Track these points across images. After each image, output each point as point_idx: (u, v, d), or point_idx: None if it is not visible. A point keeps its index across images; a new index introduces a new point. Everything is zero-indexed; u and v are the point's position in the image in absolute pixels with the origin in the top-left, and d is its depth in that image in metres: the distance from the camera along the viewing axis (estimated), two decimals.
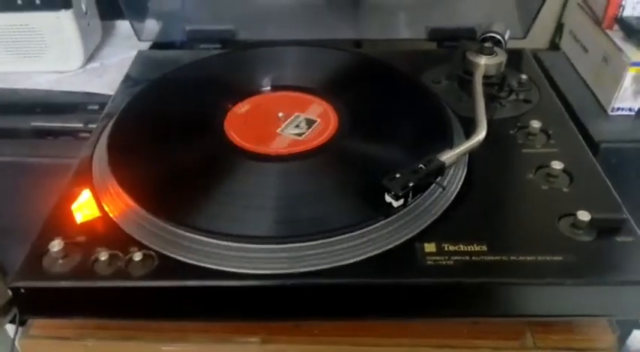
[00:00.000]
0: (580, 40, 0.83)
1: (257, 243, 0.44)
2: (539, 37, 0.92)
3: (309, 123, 0.56)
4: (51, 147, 0.73)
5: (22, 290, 0.43)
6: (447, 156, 0.47)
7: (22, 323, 0.49)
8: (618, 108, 0.73)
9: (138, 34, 0.74)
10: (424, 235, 0.45)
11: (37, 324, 0.50)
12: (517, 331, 0.48)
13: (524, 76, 0.64)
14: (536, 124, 0.56)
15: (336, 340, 0.48)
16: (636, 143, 0.70)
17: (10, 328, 0.99)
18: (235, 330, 0.48)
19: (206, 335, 0.48)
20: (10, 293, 0.97)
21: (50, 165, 0.75)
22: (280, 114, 0.57)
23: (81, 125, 0.71)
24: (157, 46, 0.78)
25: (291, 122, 0.57)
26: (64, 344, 0.49)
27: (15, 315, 1.00)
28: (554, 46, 0.93)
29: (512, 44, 0.71)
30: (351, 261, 0.43)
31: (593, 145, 0.68)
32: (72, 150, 0.71)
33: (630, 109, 0.73)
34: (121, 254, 0.44)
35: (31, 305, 0.45)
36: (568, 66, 0.85)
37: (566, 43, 0.88)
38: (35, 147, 0.74)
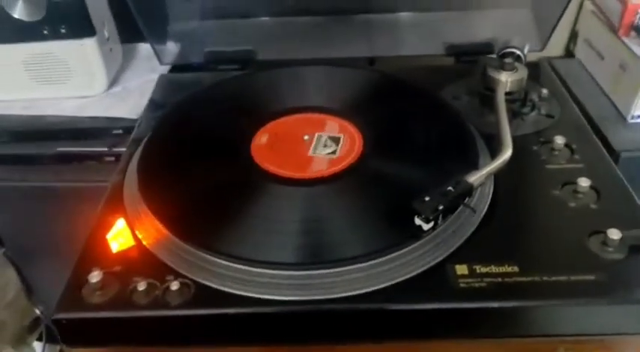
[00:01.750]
0: (595, 47, 0.83)
1: (292, 270, 0.45)
2: (552, 45, 0.92)
3: (335, 140, 0.57)
4: (76, 171, 0.75)
5: (64, 322, 0.44)
6: (475, 178, 0.48)
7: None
8: (638, 116, 0.73)
9: (160, 58, 0.75)
10: (455, 257, 0.46)
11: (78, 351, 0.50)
12: (549, 348, 0.48)
13: (545, 90, 0.64)
14: (560, 140, 0.56)
15: None
16: None
17: (38, 345, 1.01)
18: None
19: None
20: (37, 312, 0.98)
21: (75, 189, 0.77)
22: (306, 137, 0.58)
23: (106, 149, 0.72)
24: (176, 68, 0.79)
25: (318, 142, 0.57)
26: None
27: (41, 333, 1.01)
28: (568, 53, 0.93)
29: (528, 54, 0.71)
30: (382, 285, 0.44)
31: (613, 154, 0.68)
32: (97, 175, 0.73)
33: None
34: (157, 283, 0.45)
35: (73, 335, 0.46)
36: (584, 73, 0.85)
37: (580, 50, 0.88)
38: (61, 172, 0.76)
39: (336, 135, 0.58)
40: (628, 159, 0.68)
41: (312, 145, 0.57)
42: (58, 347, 0.99)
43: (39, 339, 0.98)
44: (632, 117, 0.73)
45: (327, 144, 0.57)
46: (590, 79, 0.83)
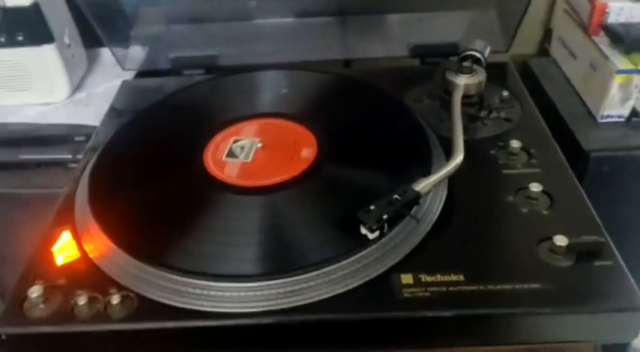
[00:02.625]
0: (568, 46, 0.82)
1: (234, 282, 0.44)
2: (527, 43, 0.92)
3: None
4: (42, 177, 0.74)
5: (3, 337, 0.44)
6: (422, 186, 0.47)
7: None
8: (607, 116, 0.72)
9: (122, 64, 0.75)
10: (401, 266, 0.45)
11: None
12: None
13: (505, 93, 0.63)
14: (516, 144, 0.56)
15: None
16: (627, 151, 0.69)
17: None
18: None
19: None
20: None
21: (42, 194, 0.76)
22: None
23: (70, 156, 0.72)
24: (142, 73, 0.79)
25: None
26: None
27: None
28: (543, 51, 0.93)
29: (499, 54, 0.71)
30: (327, 295, 0.43)
31: (583, 154, 0.68)
32: (63, 180, 0.72)
33: (619, 116, 0.72)
34: (100, 296, 0.45)
35: (15, 350, 0.45)
36: (558, 72, 0.84)
37: (555, 48, 0.88)
38: (26, 179, 0.75)
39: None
40: (597, 158, 0.68)
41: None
42: None
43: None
44: (602, 117, 0.72)
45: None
46: (564, 78, 0.82)
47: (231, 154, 0.56)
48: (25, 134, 0.73)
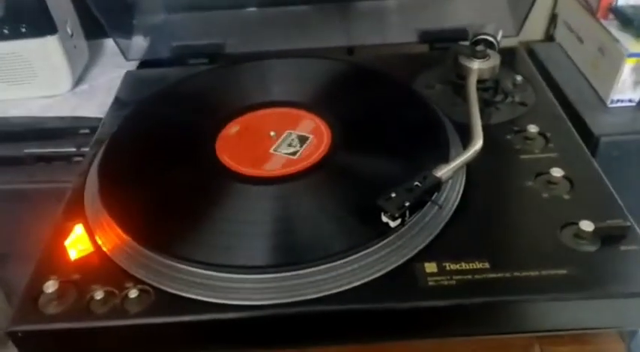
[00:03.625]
0: (575, 30, 0.81)
1: (252, 273, 0.43)
2: (532, 29, 0.91)
3: (302, 140, 0.55)
4: (45, 172, 0.73)
5: (20, 334, 0.43)
6: (443, 172, 0.46)
7: None
8: (617, 100, 0.72)
9: (125, 54, 0.73)
10: (424, 254, 0.44)
11: None
12: (525, 344, 0.47)
13: (519, 78, 0.62)
14: (533, 129, 0.55)
15: None
16: (637, 134, 0.69)
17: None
18: None
19: None
20: None
21: (45, 190, 0.75)
22: (272, 133, 0.56)
23: (74, 149, 0.71)
24: (144, 63, 0.77)
25: (284, 140, 0.56)
26: None
27: None
28: (548, 37, 0.92)
29: (505, 39, 0.70)
30: (351, 286, 0.43)
31: (592, 139, 0.67)
32: (67, 175, 0.71)
33: (630, 100, 0.72)
34: (116, 291, 0.44)
35: (30, 346, 0.44)
36: (564, 57, 0.84)
37: (560, 33, 0.87)
38: (30, 174, 0.74)
39: (307, 135, 0.56)
40: (607, 143, 0.67)
41: (277, 143, 0.55)
42: None
43: None
44: (612, 102, 0.72)
45: (292, 144, 0.55)
46: (570, 62, 0.82)
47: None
48: (28, 127, 0.72)
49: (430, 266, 0.44)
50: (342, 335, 0.44)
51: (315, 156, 0.53)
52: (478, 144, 0.50)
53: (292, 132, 0.56)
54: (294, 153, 0.54)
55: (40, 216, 0.75)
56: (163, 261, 0.44)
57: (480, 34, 0.62)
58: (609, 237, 0.45)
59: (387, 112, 0.58)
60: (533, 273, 0.43)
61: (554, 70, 0.80)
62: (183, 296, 0.43)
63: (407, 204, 0.44)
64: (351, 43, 0.79)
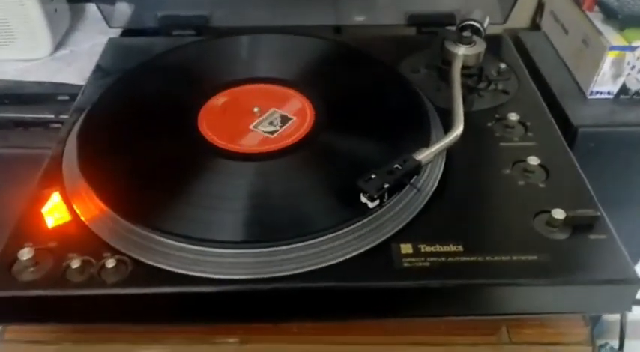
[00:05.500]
0: (560, 20, 0.82)
1: (230, 248, 0.43)
2: (519, 16, 0.91)
3: (284, 120, 0.55)
4: (22, 137, 0.72)
5: None
6: (424, 156, 0.47)
7: None
8: (597, 92, 0.73)
9: (108, 21, 0.72)
10: (400, 236, 0.45)
11: (12, 328, 0.49)
12: (493, 326, 0.48)
13: (502, 65, 0.63)
14: (513, 117, 0.56)
15: (314, 339, 0.48)
16: (614, 127, 0.70)
17: None
18: (213, 331, 0.48)
19: (183, 335, 0.48)
20: None
21: (21, 155, 0.74)
22: (255, 109, 0.56)
23: (52, 116, 0.69)
24: (128, 32, 0.76)
25: (266, 118, 0.55)
26: (40, 348, 0.48)
27: None
28: (534, 25, 0.92)
29: (491, 26, 0.70)
30: (327, 264, 0.43)
31: (571, 129, 0.69)
32: (44, 140, 0.70)
33: (609, 92, 0.73)
34: (93, 260, 0.44)
35: (4, 313, 0.44)
36: (549, 47, 0.84)
37: (546, 23, 0.87)
38: (5, 138, 0.73)
39: (289, 116, 0.56)
40: (585, 134, 0.69)
41: (258, 119, 0.55)
42: None
43: None
44: (591, 93, 0.73)
45: (274, 123, 0.55)
46: (554, 52, 0.82)
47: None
48: (5, 91, 0.70)
49: (406, 248, 0.44)
50: (317, 311, 0.45)
51: (297, 135, 0.53)
52: (459, 129, 0.50)
53: (277, 110, 0.56)
54: (272, 132, 0.54)
55: (15, 181, 0.74)
56: (142, 232, 0.44)
57: (467, 20, 0.62)
58: (579, 226, 0.46)
59: (371, 94, 0.58)
60: (505, 258, 0.44)
61: (538, 59, 0.81)
62: (161, 268, 0.43)
63: (386, 186, 0.44)
64: (339, 22, 0.78)
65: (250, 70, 0.62)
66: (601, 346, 0.91)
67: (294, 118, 0.55)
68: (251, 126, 0.54)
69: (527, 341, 0.47)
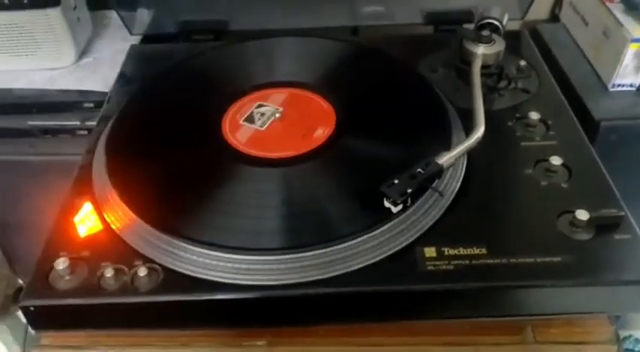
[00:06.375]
0: (580, 12, 0.81)
1: (259, 255, 0.44)
2: (537, 8, 0.90)
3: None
4: (49, 144, 0.74)
5: (32, 309, 0.44)
6: (445, 159, 0.47)
7: None
8: (619, 85, 0.72)
9: (129, 29, 0.73)
10: (424, 239, 0.46)
11: (48, 334, 0.50)
12: (518, 326, 0.49)
13: (522, 63, 0.62)
14: (534, 116, 0.56)
15: (341, 340, 0.49)
16: (637, 120, 0.70)
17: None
18: (242, 334, 0.49)
19: (213, 339, 0.50)
20: (20, 281, 0.99)
21: (49, 162, 0.76)
22: (277, 115, 0.57)
23: (78, 123, 0.71)
24: (148, 38, 0.77)
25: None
26: None
27: None
28: (553, 17, 0.91)
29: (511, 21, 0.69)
30: (353, 268, 0.44)
31: (593, 123, 0.68)
32: (71, 147, 0.72)
33: (631, 85, 0.72)
34: (126, 268, 0.45)
35: (42, 321, 0.46)
36: (568, 39, 0.83)
37: (566, 14, 0.86)
38: (33, 146, 0.74)
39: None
40: (607, 128, 0.68)
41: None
42: None
43: None
44: (613, 86, 0.72)
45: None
46: (574, 44, 0.81)
47: (250, 120, 0.56)
48: (33, 100, 0.72)
49: (429, 251, 0.45)
50: (344, 315, 0.46)
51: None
52: (480, 131, 0.50)
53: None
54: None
55: (43, 187, 0.76)
56: (172, 240, 0.46)
57: (486, 18, 0.62)
58: (603, 226, 0.46)
59: (392, 96, 0.59)
60: (529, 260, 0.44)
61: (557, 52, 0.80)
62: (191, 275, 0.44)
63: (409, 190, 0.45)
64: (355, 22, 0.78)
65: (271, 74, 0.63)
66: (625, 338, 0.91)
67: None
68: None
69: (553, 340, 0.48)
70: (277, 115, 0.57)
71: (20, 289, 1.01)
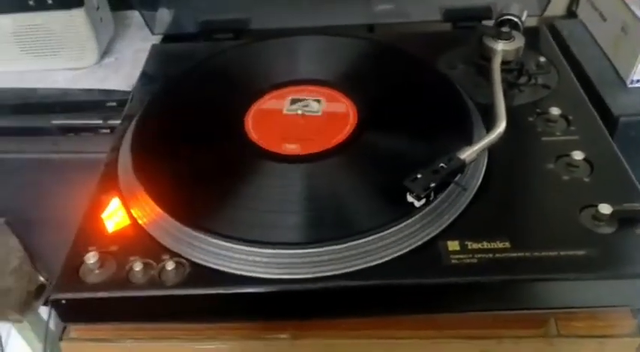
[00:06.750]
0: (598, 8, 0.81)
1: (284, 249, 0.45)
2: (554, 4, 0.90)
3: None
4: (72, 143, 0.75)
5: (63, 302, 0.45)
6: (467, 154, 0.48)
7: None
8: (637, 80, 0.72)
9: (151, 28, 0.74)
10: (447, 233, 0.46)
11: (76, 327, 0.51)
12: (541, 319, 0.49)
13: (542, 59, 0.63)
14: (555, 111, 0.56)
15: (364, 333, 0.50)
16: None
17: (44, 310, 1.03)
18: (265, 327, 0.50)
19: (237, 332, 0.50)
20: (41, 278, 1.01)
21: (72, 159, 0.77)
22: (299, 112, 0.58)
23: (101, 122, 0.72)
24: (168, 37, 0.78)
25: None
26: (103, 345, 0.51)
27: (47, 298, 1.04)
28: (570, 12, 0.91)
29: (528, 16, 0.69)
30: (376, 262, 0.45)
31: (611, 119, 0.68)
32: (93, 145, 0.73)
33: None
34: (153, 263, 0.46)
35: (72, 313, 0.47)
36: (586, 35, 0.83)
37: (583, 10, 0.86)
38: (57, 144, 0.76)
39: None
40: (626, 123, 0.68)
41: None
42: None
43: (45, 304, 1.01)
44: (632, 82, 0.72)
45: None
46: (592, 40, 0.81)
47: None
48: (56, 99, 0.73)
49: (453, 245, 0.45)
50: (368, 308, 0.46)
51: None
52: (501, 126, 0.51)
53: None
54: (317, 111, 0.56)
55: (65, 184, 0.78)
56: (197, 235, 0.46)
57: (505, 15, 0.62)
58: (626, 220, 0.46)
59: (412, 93, 0.59)
60: (552, 253, 0.44)
61: (575, 48, 0.80)
62: (217, 269, 0.45)
63: (432, 185, 0.45)
64: (372, 20, 0.79)
65: (292, 72, 0.63)
66: None
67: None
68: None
69: (576, 333, 0.48)
70: (299, 112, 0.58)
71: (42, 286, 1.03)
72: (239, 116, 0.58)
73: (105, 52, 0.79)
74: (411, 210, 0.46)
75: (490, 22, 0.67)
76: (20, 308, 0.98)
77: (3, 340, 1.07)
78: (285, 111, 0.58)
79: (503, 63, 0.59)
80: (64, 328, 0.51)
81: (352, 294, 0.45)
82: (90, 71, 0.77)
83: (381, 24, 0.79)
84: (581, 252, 0.44)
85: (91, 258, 0.46)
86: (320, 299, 0.45)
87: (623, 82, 0.73)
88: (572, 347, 0.48)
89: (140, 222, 0.49)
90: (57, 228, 0.71)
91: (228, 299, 0.46)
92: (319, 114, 0.56)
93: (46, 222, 0.87)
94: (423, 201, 0.46)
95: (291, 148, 0.54)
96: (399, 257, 0.45)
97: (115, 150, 0.57)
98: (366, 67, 0.64)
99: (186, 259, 0.46)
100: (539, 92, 0.60)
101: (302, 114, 0.57)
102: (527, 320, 0.49)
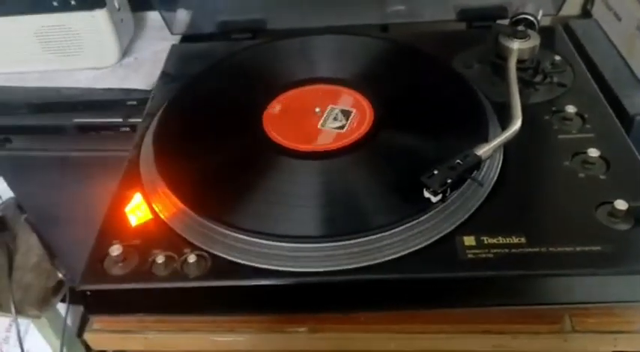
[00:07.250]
0: (613, 7, 0.81)
1: (304, 242, 0.46)
2: (569, 4, 0.90)
3: (346, 114, 0.58)
4: (93, 141, 0.76)
5: (89, 293, 0.47)
6: (484, 151, 0.48)
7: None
8: None
9: (170, 28, 0.75)
10: (463, 229, 0.47)
11: (100, 319, 0.53)
12: (556, 315, 0.49)
13: (557, 57, 0.63)
14: (571, 109, 0.56)
15: (382, 327, 0.50)
16: None
17: (61, 307, 1.05)
18: (284, 321, 0.51)
19: (256, 325, 0.51)
20: (60, 275, 1.02)
21: (93, 157, 0.79)
22: (317, 110, 0.58)
23: (121, 120, 0.74)
24: (187, 37, 0.79)
25: (329, 115, 0.58)
26: (126, 337, 0.52)
27: (65, 295, 1.06)
28: (585, 12, 0.91)
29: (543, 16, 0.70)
30: (394, 256, 0.45)
31: (627, 118, 0.68)
32: (114, 144, 0.75)
33: None
34: (175, 256, 0.47)
35: (96, 305, 0.48)
36: (601, 34, 0.83)
37: (598, 10, 0.86)
38: (79, 142, 0.77)
39: (348, 109, 0.58)
40: None
41: (323, 118, 0.58)
42: (81, 308, 1.03)
43: (62, 301, 1.03)
44: None
45: (338, 118, 0.57)
46: (607, 40, 0.81)
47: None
48: (77, 98, 0.75)
49: (469, 240, 0.46)
50: (385, 302, 0.47)
51: (360, 131, 0.56)
52: (517, 124, 0.51)
53: (335, 107, 0.59)
54: (342, 127, 0.56)
55: (88, 181, 0.79)
56: (218, 229, 0.47)
57: (520, 14, 0.63)
58: None
59: (428, 91, 0.60)
60: (568, 249, 0.45)
61: (590, 47, 0.80)
62: (237, 262, 0.46)
63: (449, 181, 0.46)
64: (387, 20, 0.80)
65: (310, 70, 0.65)
66: None
67: (354, 110, 0.58)
68: (319, 126, 0.57)
69: (591, 329, 0.48)
70: (317, 110, 0.58)
71: (60, 282, 1.05)
72: (258, 113, 0.59)
73: (125, 52, 0.80)
74: (427, 205, 0.47)
75: (504, 22, 0.67)
76: (39, 304, 1.00)
77: (21, 336, 1.08)
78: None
79: (519, 62, 0.60)
80: (82, 324, 0.53)
81: (370, 288, 0.46)
82: (111, 71, 0.78)
83: (395, 24, 0.80)
84: (596, 248, 0.45)
85: (116, 250, 0.47)
86: (338, 292, 0.46)
87: (638, 81, 0.73)
88: (586, 343, 0.49)
89: (162, 216, 0.51)
90: (75, 225, 0.73)
91: (248, 292, 0.47)
92: (343, 131, 0.56)
93: (65, 219, 0.89)
94: (440, 196, 0.47)
95: (310, 145, 0.55)
96: (415, 251, 0.46)
97: (137, 146, 0.59)
98: (382, 65, 0.65)
99: (208, 252, 0.47)
100: (554, 90, 0.60)
101: (319, 112, 0.58)
102: (543, 316, 0.49)
